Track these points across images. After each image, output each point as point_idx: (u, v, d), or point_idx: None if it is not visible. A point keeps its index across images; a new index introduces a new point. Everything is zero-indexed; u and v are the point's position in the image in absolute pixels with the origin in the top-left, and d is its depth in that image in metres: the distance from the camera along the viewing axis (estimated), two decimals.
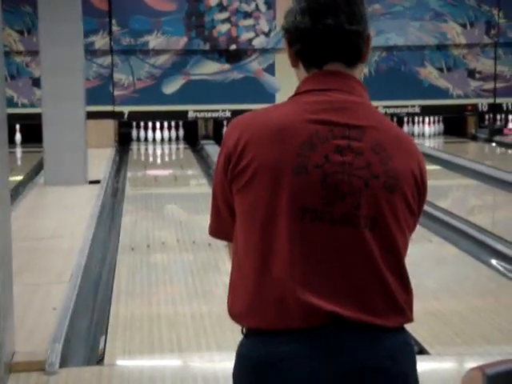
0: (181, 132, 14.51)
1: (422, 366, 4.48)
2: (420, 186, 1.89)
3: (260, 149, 1.83)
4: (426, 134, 14.83)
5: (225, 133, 1.94)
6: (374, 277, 1.83)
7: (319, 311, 1.79)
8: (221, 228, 1.98)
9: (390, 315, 1.85)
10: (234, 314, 1.91)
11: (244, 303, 1.87)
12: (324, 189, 1.80)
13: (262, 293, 1.83)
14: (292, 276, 1.80)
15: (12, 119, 9.90)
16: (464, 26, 14.44)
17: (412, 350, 1.93)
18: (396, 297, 1.86)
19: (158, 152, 14.00)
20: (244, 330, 1.91)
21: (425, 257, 6.50)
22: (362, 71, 1.95)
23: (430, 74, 14.54)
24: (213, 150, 12.89)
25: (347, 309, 1.80)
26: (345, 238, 1.81)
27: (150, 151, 14.08)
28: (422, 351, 4.35)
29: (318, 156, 1.81)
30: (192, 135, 14.36)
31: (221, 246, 6.46)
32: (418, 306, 5.50)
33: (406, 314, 1.89)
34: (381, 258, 1.83)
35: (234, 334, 4.67)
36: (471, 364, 4.38)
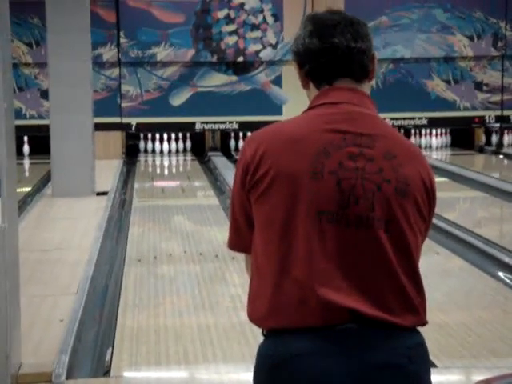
0: (188, 144, 14.53)
1: None
2: (429, 192, 1.98)
3: (277, 158, 1.92)
4: (433, 146, 14.81)
5: (241, 148, 2.02)
6: (389, 277, 1.91)
7: (338, 308, 1.86)
8: (239, 241, 2.05)
9: (406, 314, 1.91)
10: (255, 318, 1.97)
11: (264, 306, 1.93)
12: (339, 193, 1.89)
13: (282, 294, 1.90)
14: (311, 275, 1.88)
15: (20, 131, 9.90)
16: (471, 38, 14.45)
17: (426, 352, 1.99)
18: (411, 297, 1.93)
19: (166, 163, 14.02)
20: (264, 331, 1.97)
21: (431, 269, 6.48)
22: (369, 88, 2.05)
23: (437, 86, 14.54)
24: (220, 161, 12.91)
25: (365, 306, 1.87)
26: (360, 238, 1.89)
27: (158, 163, 14.10)
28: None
29: (333, 163, 1.90)
30: (199, 147, 14.39)
31: (228, 257, 6.46)
32: None
33: (420, 314, 1.95)
34: (395, 259, 1.91)
35: (241, 345, 4.69)
36: (478, 377, 4.37)
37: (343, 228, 1.88)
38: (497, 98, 14.59)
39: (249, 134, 14.49)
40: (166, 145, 14.45)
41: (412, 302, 1.93)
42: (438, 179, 11.77)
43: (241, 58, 14.22)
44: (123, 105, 14.09)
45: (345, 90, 1.99)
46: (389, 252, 1.90)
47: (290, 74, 14.25)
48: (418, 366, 1.93)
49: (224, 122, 14.21)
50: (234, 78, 14.31)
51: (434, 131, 14.84)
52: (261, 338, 2.01)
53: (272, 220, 1.92)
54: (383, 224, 1.90)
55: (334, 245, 1.88)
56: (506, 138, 14.81)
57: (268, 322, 1.93)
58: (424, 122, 14.55)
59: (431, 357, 4.59)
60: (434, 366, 4.31)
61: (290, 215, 1.90)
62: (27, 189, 10.29)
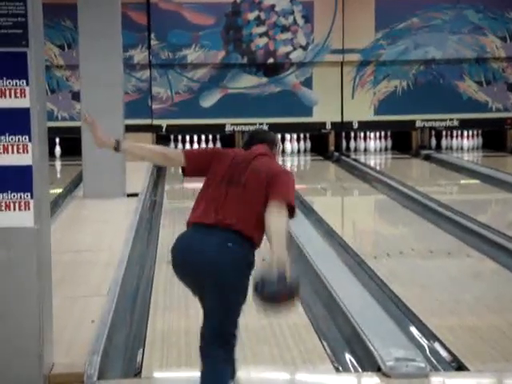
0: (218, 145, 14.56)
1: (462, 382, 4.42)
2: (270, 178, 3.81)
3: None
4: (465, 147, 14.72)
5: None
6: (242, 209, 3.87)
7: (206, 219, 3.89)
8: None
9: (241, 227, 3.82)
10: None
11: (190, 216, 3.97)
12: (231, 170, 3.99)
13: (194, 210, 4.01)
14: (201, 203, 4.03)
15: (52, 132, 9.94)
16: (504, 39, 14.34)
17: (231, 250, 3.81)
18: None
19: None
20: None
21: (463, 271, 6.45)
22: (277, 152, 4.10)
23: (468, 87, 14.45)
24: None
25: (210, 219, 3.90)
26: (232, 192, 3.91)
27: None
28: (461, 367, 4.32)
29: (237, 162, 4.00)
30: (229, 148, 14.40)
31: (258, 259, 6.45)
32: (455, 321, 5.42)
33: (243, 229, 3.82)
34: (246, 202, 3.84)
35: (271, 347, 4.67)
36: (511, 380, 4.33)
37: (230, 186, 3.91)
38: None
39: (279, 135, 14.53)
40: (196, 146, 14.48)
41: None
42: (469, 181, 11.56)
43: (271, 60, 14.23)
44: (154, 106, 14.16)
45: (256, 148, 4.01)
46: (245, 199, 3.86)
47: (321, 75, 14.24)
48: (225, 254, 3.80)
49: (254, 124, 14.22)
50: (264, 79, 14.33)
51: (465, 133, 14.75)
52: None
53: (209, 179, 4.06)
54: (242, 185, 3.86)
55: (220, 194, 3.96)
56: None
57: (188, 222, 3.95)
58: (455, 123, 14.47)
59: (463, 360, 4.52)
60: (467, 369, 4.28)
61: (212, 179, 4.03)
62: (59, 190, 10.35)
